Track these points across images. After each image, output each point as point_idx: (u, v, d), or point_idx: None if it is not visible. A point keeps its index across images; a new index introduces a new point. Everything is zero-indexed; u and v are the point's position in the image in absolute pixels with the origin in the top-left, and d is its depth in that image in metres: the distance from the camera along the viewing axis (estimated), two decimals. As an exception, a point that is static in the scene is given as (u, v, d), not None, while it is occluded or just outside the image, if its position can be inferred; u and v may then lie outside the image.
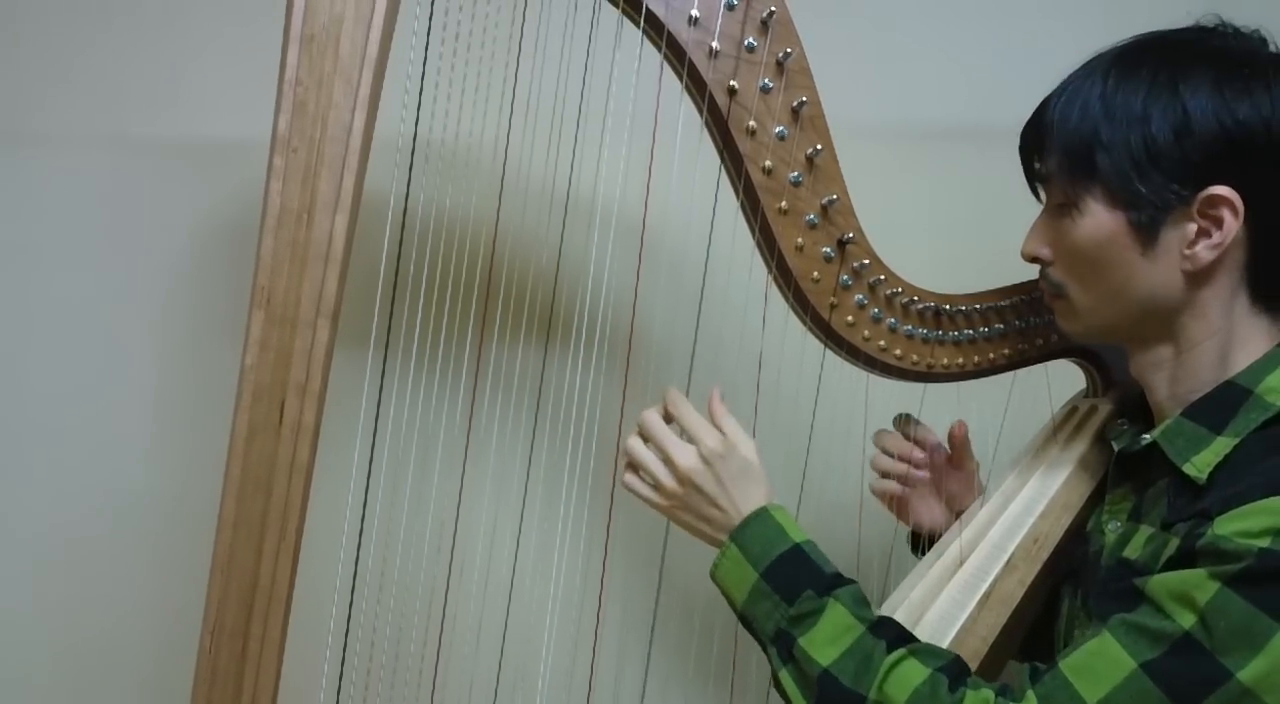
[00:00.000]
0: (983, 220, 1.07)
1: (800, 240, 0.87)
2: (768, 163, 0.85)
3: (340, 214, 0.79)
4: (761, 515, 0.82)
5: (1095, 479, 0.90)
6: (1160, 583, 0.69)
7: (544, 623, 1.12)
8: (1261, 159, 0.73)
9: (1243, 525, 0.67)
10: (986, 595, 0.86)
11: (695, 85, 0.85)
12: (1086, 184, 0.77)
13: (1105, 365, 0.95)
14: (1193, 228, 0.74)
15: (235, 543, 0.80)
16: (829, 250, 0.88)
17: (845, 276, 0.89)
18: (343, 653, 0.95)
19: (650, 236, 0.98)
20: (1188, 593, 0.67)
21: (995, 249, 0.91)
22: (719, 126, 0.85)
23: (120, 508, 1.22)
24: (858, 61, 1.21)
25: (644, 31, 0.84)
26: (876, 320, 0.90)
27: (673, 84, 0.85)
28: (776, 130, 0.85)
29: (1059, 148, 0.78)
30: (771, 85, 0.84)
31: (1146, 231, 0.75)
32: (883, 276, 0.89)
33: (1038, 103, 0.81)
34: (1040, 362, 0.95)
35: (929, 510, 1.02)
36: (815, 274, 0.88)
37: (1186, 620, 0.67)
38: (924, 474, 1.02)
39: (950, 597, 0.88)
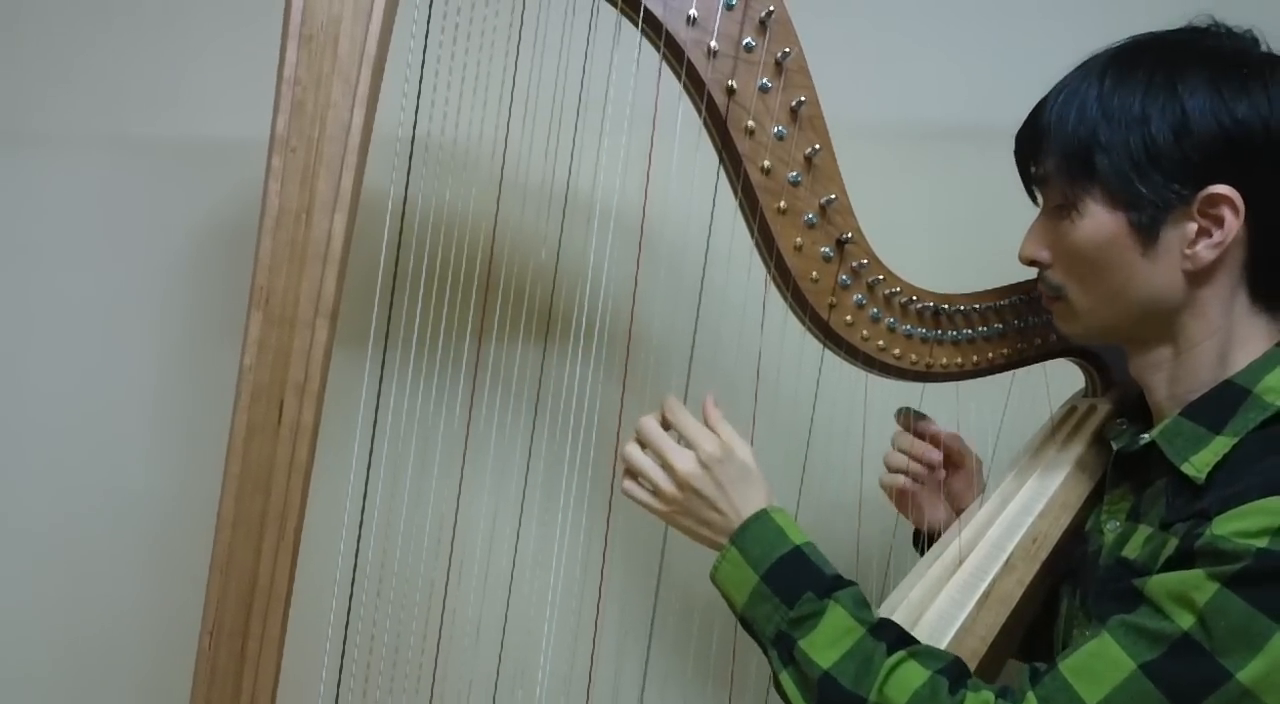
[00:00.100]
0: (983, 220, 1.06)
1: (799, 240, 0.87)
2: (766, 162, 0.85)
3: (339, 213, 0.79)
4: (761, 518, 0.82)
5: (1094, 479, 0.89)
6: (1159, 583, 0.69)
7: (543, 621, 1.12)
8: (1260, 158, 0.73)
9: (1241, 525, 0.67)
10: (985, 595, 0.86)
11: (694, 85, 0.85)
12: (1086, 185, 0.77)
13: (1104, 365, 0.95)
14: (1193, 227, 0.74)
15: (234, 542, 0.80)
16: (827, 250, 0.88)
17: (844, 276, 0.89)
18: (342, 652, 0.95)
19: (649, 234, 0.98)
20: (1186, 594, 0.67)
21: (995, 249, 0.90)
22: (717, 126, 0.85)
23: (120, 507, 1.22)
24: (857, 61, 1.21)
25: (642, 31, 0.84)
26: (875, 320, 0.90)
27: (671, 82, 0.85)
28: (775, 130, 0.85)
29: (1057, 150, 0.78)
30: (770, 85, 0.84)
31: (1147, 232, 0.75)
32: (881, 276, 0.89)
33: (1038, 103, 0.81)
34: (1039, 361, 0.95)
35: (933, 508, 1.02)
36: (814, 274, 0.88)
37: (1185, 621, 0.67)
38: (927, 471, 1.01)
39: (949, 596, 0.88)
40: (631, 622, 1.20)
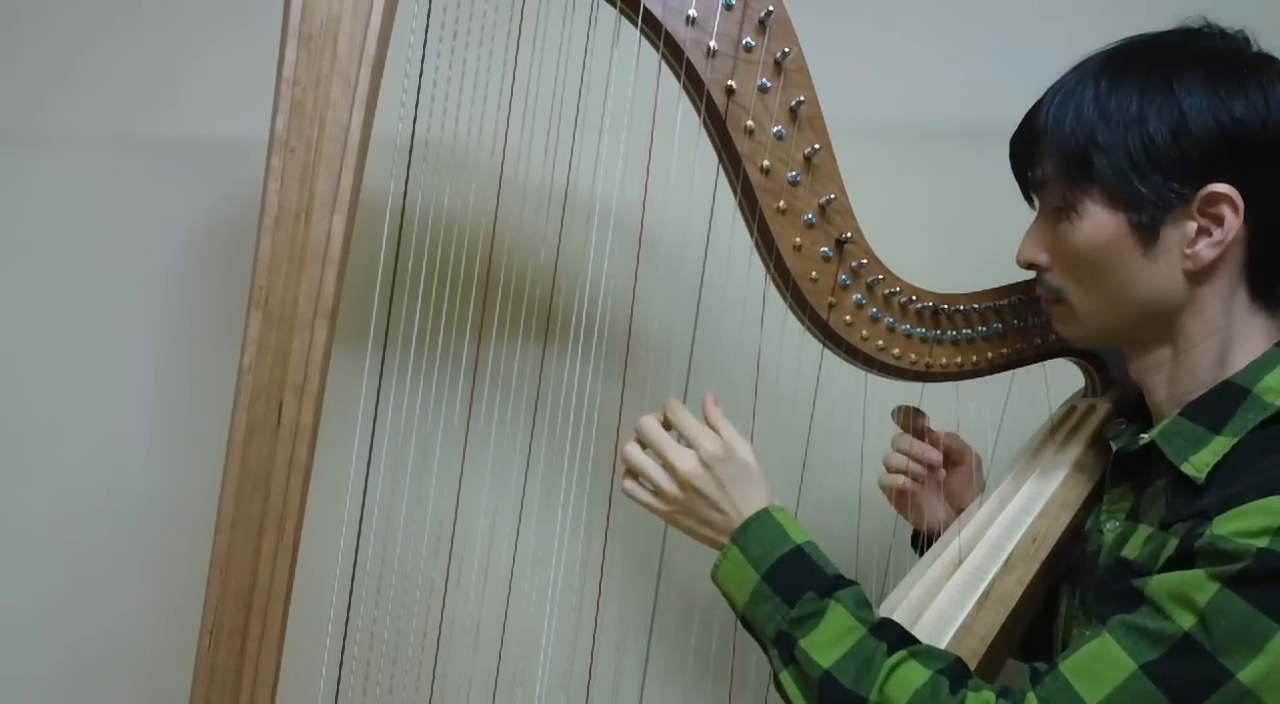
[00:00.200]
0: (982, 220, 1.06)
1: (798, 240, 0.87)
2: (766, 162, 0.85)
3: (338, 213, 0.79)
4: (763, 517, 0.82)
5: (1093, 479, 0.89)
6: (1159, 584, 0.69)
7: (543, 620, 1.12)
8: (1258, 156, 0.73)
9: (1241, 525, 0.67)
10: (985, 595, 0.86)
11: (693, 85, 0.85)
12: (1085, 186, 0.77)
13: (1104, 365, 0.95)
14: (1193, 226, 0.74)
15: (234, 542, 0.80)
16: (827, 250, 0.88)
17: (843, 276, 0.89)
18: (341, 651, 0.95)
19: (649, 234, 0.98)
20: (1187, 594, 0.67)
21: (995, 249, 0.90)
22: (717, 126, 0.85)
23: (119, 507, 1.22)
24: (857, 61, 1.21)
25: (641, 30, 0.84)
26: (875, 320, 0.90)
27: (671, 81, 0.85)
28: (774, 130, 0.85)
29: (1055, 152, 0.78)
30: (769, 85, 0.84)
31: (1147, 232, 0.75)
32: (881, 276, 0.89)
33: (1032, 107, 0.81)
34: (1039, 361, 0.95)
35: (933, 508, 1.02)
36: (813, 274, 0.88)
37: (1186, 621, 0.67)
38: (927, 471, 1.01)
39: (949, 596, 0.88)
40: (631, 620, 1.20)
